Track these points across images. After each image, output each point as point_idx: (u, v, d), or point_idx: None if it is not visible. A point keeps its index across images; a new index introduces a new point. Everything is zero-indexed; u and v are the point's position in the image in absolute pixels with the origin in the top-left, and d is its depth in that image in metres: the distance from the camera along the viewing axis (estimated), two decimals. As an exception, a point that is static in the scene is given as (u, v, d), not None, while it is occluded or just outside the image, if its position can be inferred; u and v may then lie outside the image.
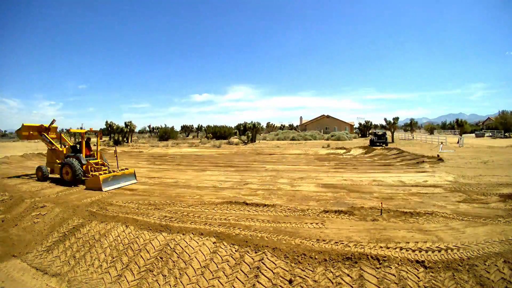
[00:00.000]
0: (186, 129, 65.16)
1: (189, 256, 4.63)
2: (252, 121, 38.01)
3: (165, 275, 4.36)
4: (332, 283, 3.75)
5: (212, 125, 50.26)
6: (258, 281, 3.92)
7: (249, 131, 36.60)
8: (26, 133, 12.11)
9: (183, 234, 5.17)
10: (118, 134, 36.85)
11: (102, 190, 8.96)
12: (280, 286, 3.83)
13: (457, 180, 9.57)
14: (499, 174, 10.12)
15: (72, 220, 6.40)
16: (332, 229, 5.28)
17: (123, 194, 8.71)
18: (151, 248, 4.98)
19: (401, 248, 4.30)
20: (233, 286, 3.96)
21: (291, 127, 72.82)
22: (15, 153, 23.57)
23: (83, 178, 10.06)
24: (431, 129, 58.89)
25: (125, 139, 38.00)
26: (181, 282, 4.18)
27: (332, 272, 3.92)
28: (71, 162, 9.97)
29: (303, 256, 4.26)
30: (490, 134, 40.16)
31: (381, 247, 4.37)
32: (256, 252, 4.47)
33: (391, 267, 3.87)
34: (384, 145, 26.49)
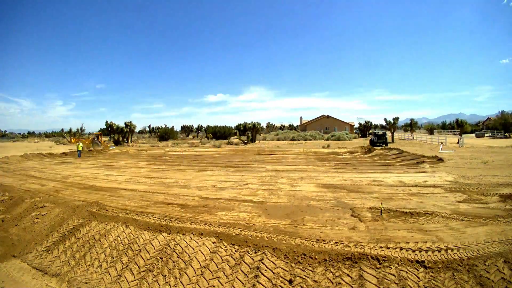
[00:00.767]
0: (186, 129, 65.15)
1: (189, 256, 4.63)
2: (252, 121, 38.03)
3: (165, 275, 4.36)
4: (332, 283, 3.75)
5: (213, 125, 50.28)
6: (258, 281, 3.92)
7: (249, 131, 36.60)
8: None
9: (183, 234, 5.16)
10: (118, 134, 36.84)
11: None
12: (280, 286, 3.83)
13: (457, 180, 9.56)
14: (499, 174, 10.11)
15: (72, 220, 6.40)
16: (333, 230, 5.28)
17: (123, 194, 8.72)
18: (151, 248, 4.98)
19: (401, 248, 4.30)
20: (233, 286, 3.96)
21: (291, 127, 72.83)
22: (15, 153, 23.56)
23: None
24: (431, 129, 58.87)
25: (125, 139, 37.99)
26: (181, 282, 4.18)
27: (332, 272, 3.92)
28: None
29: (303, 256, 4.26)
30: (490, 134, 40.16)
31: (381, 247, 4.37)
32: (256, 252, 4.47)
33: (391, 267, 3.86)
34: (384, 145, 26.49)
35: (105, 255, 5.08)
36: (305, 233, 5.11)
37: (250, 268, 4.19)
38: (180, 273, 4.34)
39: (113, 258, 4.97)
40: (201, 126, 64.39)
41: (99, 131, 38.30)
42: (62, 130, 48.88)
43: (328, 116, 59.54)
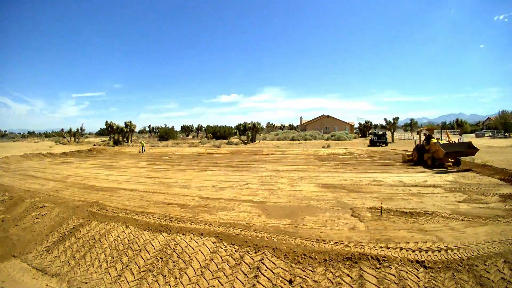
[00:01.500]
0: (186, 129, 65.12)
1: (189, 256, 4.63)
2: (252, 121, 38.02)
3: (165, 275, 4.36)
4: (332, 283, 3.75)
5: (212, 125, 50.27)
6: (258, 281, 3.91)
7: (249, 131, 36.59)
8: None
9: (183, 234, 5.16)
10: (118, 134, 36.84)
11: None
12: (280, 286, 3.83)
13: (457, 180, 9.56)
14: (499, 174, 10.10)
15: (72, 220, 6.40)
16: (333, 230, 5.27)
17: (123, 194, 8.72)
18: (151, 248, 4.98)
19: (401, 248, 4.30)
20: (233, 286, 3.96)
21: (291, 127, 72.81)
22: (15, 153, 23.56)
23: None
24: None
25: (125, 139, 37.99)
26: (181, 282, 4.18)
27: (332, 272, 3.92)
28: None
29: (303, 256, 4.26)
30: (490, 134, 40.15)
31: (381, 247, 4.37)
32: (256, 252, 4.47)
33: (391, 267, 3.86)
34: (384, 145, 26.47)
35: (105, 255, 5.08)
36: (305, 233, 5.11)
37: (250, 268, 4.19)
38: (180, 273, 4.34)
39: (113, 258, 4.97)
40: (201, 126, 64.35)
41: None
42: (62, 130, 48.83)
43: (328, 116, 59.53)
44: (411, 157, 14.38)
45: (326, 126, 57.30)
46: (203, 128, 60.58)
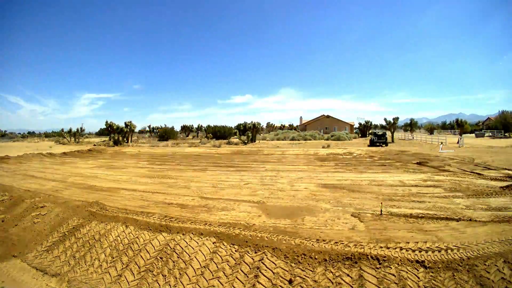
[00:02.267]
0: (186, 129, 65.13)
1: (189, 256, 4.63)
2: (252, 121, 38.05)
3: (165, 275, 4.36)
4: (332, 283, 3.75)
5: (213, 125, 50.26)
6: (258, 281, 3.92)
7: (249, 131, 36.60)
8: None
9: (183, 234, 5.17)
10: (118, 134, 36.85)
11: None
12: (280, 286, 3.83)
13: (457, 180, 9.56)
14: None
15: (72, 220, 6.41)
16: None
17: (123, 194, 8.72)
18: (151, 248, 4.98)
19: (401, 248, 4.30)
20: (233, 286, 3.96)
21: (291, 127, 72.82)
22: (15, 153, 23.57)
23: None
24: (431, 129, 58.91)
25: (125, 139, 37.99)
26: (181, 282, 4.18)
27: (332, 272, 3.92)
28: None
29: (303, 256, 4.26)
30: (490, 134, 40.17)
31: (381, 247, 4.37)
32: (256, 252, 4.47)
33: (391, 267, 3.87)
34: (384, 145, 26.48)
35: (105, 255, 5.08)
36: (305, 233, 5.11)
37: (250, 268, 4.19)
38: (180, 273, 4.34)
39: (113, 258, 4.97)
40: (201, 126, 64.35)
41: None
42: (62, 130, 48.84)
43: (328, 116, 59.55)
44: None
45: (326, 126, 57.33)
46: (203, 128, 60.58)
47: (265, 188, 9.08)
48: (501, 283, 3.53)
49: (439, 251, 4.17)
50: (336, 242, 4.60)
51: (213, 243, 4.84)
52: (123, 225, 5.82)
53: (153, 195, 8.51)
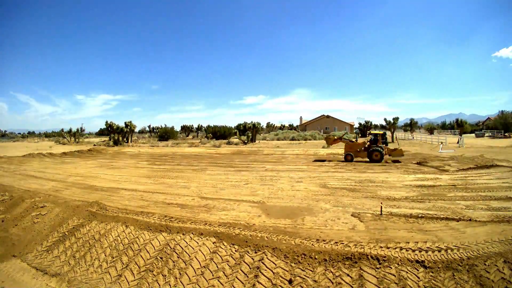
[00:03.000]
0: (186, 129, 65.12)
1: (189, 256, 4.63)
2: (252, 121, 38.05)
3: (165, 275, 4.36)
4: (332, 283, 3.75)
5: (212, 125, 50.26)
6: (258, 281, 3.92)
7: (249, 131, 36.60)
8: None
9: (183, 234, 5.17)
10: (118, 134, 36.85)
11: None
12: (280, 286, 3.83)
13: (457, 180, 9.56)
14: (499, 174, 10.10)
15: (72, 220, 6.41)
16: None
17: (123, 194, 8.72)
18: (151, 248, 4.98)
19: (401, 248, 4.30)
20: (233, 286, 3.96)
21: (291, 127, 72.80)
22: (15, 153, 23.59)
23: None
24: (431, 129, 58.89)
25: (125, 139, 37.99)
26: (181, 282, 4.18)
27: (332, 272, 3.92)
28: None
29: (303, 256, 4.26)
30: (490, 134, 40.16)
31: (381, 247, 4.37)
32: (256, 252, 4.47)
33: (391, 267, 3.87)
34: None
35: (105, 255, 5.08)
36: (305, 233, 5.11)
37: (250, 268, 4.19)
38: (180, 273, 4.34)
39: (113, 258, 4.97)
40: (201, 126, 64.35)
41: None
42: (62, 130, 48.83)
43: (328, 116, 59.56)
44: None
45: (326, 126, 57.33)
46: (203, 128, 60.58)
47: (265, 188, 9.08)
48: (501, 283, 3.53)
49: (439, 251, 4.17)
50: (336, 242, 4.60)
51: (213, 243, 4.84)
52: (123, 225, 5.82)
53: (153, 195, 8.51)
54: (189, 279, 4.21)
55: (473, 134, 42.95)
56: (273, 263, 4.21)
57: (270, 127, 76.35)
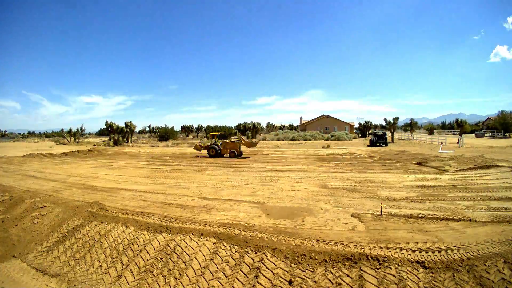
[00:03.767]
0: (186, 129, 65.12)
1: (189, 256, 4.63)
2: (252, 121, 38.07)
3: (165, 276, 4.36)
4: (332, 283, 3.75)
5: (212, 125, 50.25)
6: (258, 282, 3.92)
7: (249, 131, 36.61)
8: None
9: (183, 234, 5.16)
10: (117, 134, 36.86)
11: None
12: (280, 286, 3.83)
13: (457, 180, 9.56)
14: (499, 174, 10.09)
15: (72, 220, 6.40)
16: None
17: (123, 195, 8.72)
18: (151, 248, 4.98)
19: (401, 249, 4.30)
20: (233, 286, 3.96)
21: (291, 127, 72.80)
22: (15, 153, 23.58)
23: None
24: (431, 129, 58.90)
25: (125, 139, 38.00)
26: (181, 282, 4.18)
27: (332, 272, 3.92)
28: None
29: (303, 256, 4.26)
30: (490, 134, 40.18)
31: (381, 247, 4.37)
32: (256, 253, 4.47)
33: (391, 268, 3.86)
34: (384, 145, 26.48)
35: (105, 256, 5.08)
36: (305, 233, 5.11)
37: (250, 269, 4.19)
38: (180, 273, 4.34)
39: (113, 258, 4.97)
40: (201, 126, 64.35)
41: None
42: (62, 130, 48.84)
43: (328, 116, 59.51)
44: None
45: (326, 126, 57.28)
46: (203, 128, 60.58)
47: (265, 188, 9.07)
48: (501, 283, 3.52)
49: (439, 252, 4.17)
50: (336, 243, 4.60)
51: (213, 244, 4.84)
52: (123, 225, 5.82)
53: (153, 196, 8.51)
54: (189, 279, 4.21)
55: (473, 134, 42.97)
56: (273, 263, 4.21)
57: (270, 127, 76.34)
